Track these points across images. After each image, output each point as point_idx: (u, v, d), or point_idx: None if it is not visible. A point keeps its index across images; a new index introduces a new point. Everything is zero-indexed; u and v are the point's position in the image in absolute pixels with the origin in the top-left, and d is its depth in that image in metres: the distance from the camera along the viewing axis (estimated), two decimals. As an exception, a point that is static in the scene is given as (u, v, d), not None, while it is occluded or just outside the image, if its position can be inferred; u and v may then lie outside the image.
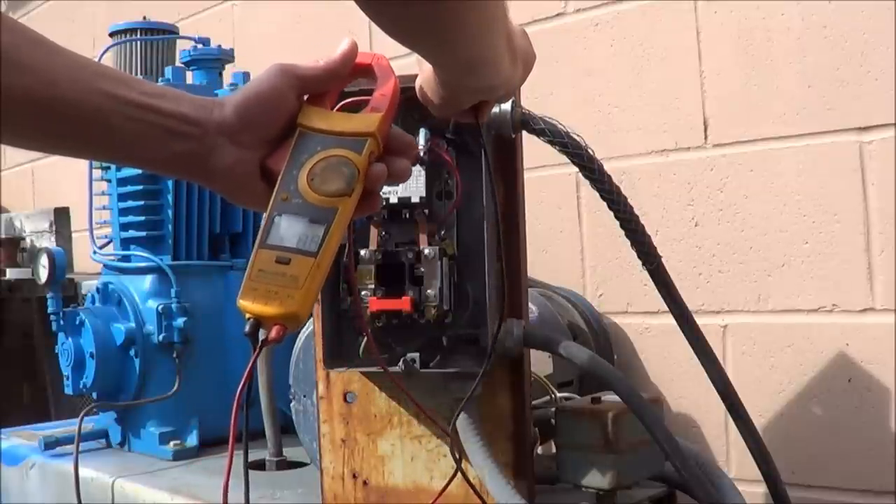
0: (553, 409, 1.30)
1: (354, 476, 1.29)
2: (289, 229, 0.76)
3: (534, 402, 1.29)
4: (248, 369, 0.76)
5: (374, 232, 1.16)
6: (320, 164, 0.78)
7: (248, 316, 0.74)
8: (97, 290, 1.87)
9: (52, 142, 0.78)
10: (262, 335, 0.74)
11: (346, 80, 0.84)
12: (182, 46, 2.02)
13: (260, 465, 1.64)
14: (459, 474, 1.13)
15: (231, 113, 0.78)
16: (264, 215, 0.78)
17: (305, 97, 0.82)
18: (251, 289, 0.74)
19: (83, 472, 1.65)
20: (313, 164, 0.78)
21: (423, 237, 1.15)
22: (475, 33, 0.75)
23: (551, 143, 1.17)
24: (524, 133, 1.19)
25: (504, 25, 0.80)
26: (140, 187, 1.81)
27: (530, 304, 1.36)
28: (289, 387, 1.48)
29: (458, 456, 1.13)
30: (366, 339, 1.15)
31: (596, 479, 1.20)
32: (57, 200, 3.01)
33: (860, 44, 1.45)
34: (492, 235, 1.15)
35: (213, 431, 1.77)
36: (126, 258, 1.86)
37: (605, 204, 1.23)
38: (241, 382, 0.77)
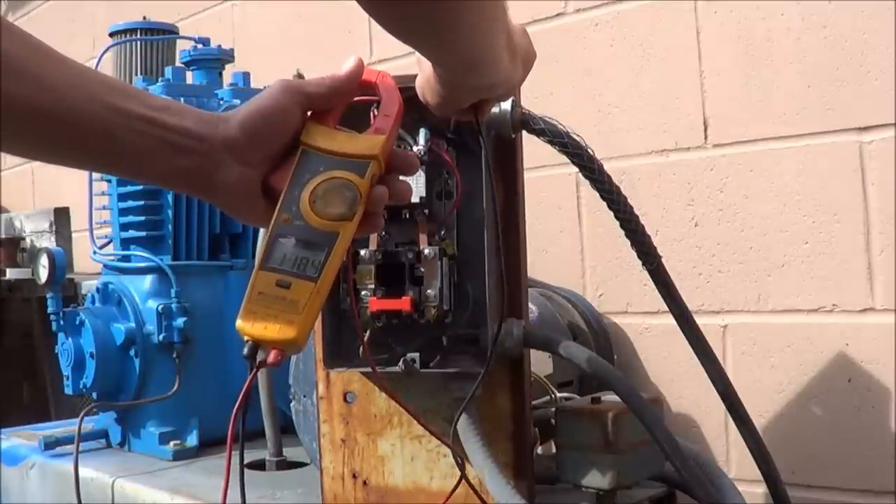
0: (553, 409, 1.30)
1: (354, 476, 1.29)
2: (289, 252, 0.76)
3: (534, 402, 1.29)
4: (244, 390, 0.77)
5: (374, 232, 1.16)
6: (322, 186, 0.78)
7: (246, 338, 0.74)
8: (97, 290, 1.87)
9: (51, 151, 0.77)
10: (260, 356, 0.75)
11: (351, 97, 0.84)
12: (182, 46, 2.02)
13: (260, 465, 1.64)
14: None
15: (236, 129, 0.78)
16: (264, 235, 0.78)
17: (309, 113, 0.82)
18: (250, 311, 0.74)
19: (83, 472, 1.65)
20: (315, 185, 0.78)
21: (423, 237, 1.15)
22: (475, 32, 0.75)
23: (551, 143, 1.17)
24: (524, 133, 1.19)
25: (504, 24, 0.80)
26: (140, 187, 1.81)
27: (530, 304, 1.36)
28: (289, 387, 1.48)
29: (461, 462, 1.13)
30: (369, 332, 1.15)
31: (596, 479, 1.20)
32: (57, 200, 3.01)
33: (860, 44, 1.45)
34: (492, 235, 1.15)
35: (213, 431, 1.77)
36: (126, 258, 1.86)
37: (605, 204, 1.23)
38: (238, 401, 0.78)
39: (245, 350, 0.74)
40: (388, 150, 0.81)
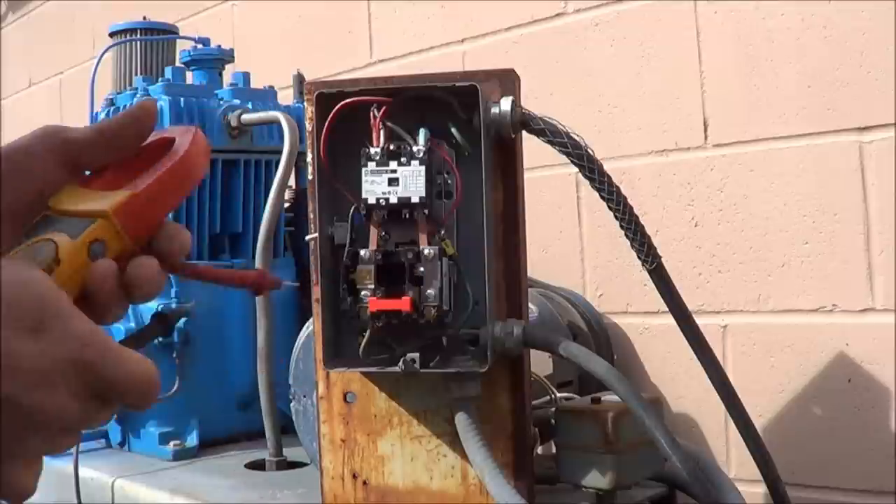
0: (553, 409, 1.30)
1: (354, 476, 1.29)
2: None
3: (534, 402, 1.29)
4: None
5: (373, 232, 1.16)
6: (21, 252, 0.55)
7: None
8: (97, 290, 1.87)
9: None
10: None
11: (132, 152, 0.61)
12: (182, 46, 2.02)
13: (260, 465, 1.64)
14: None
15: None
16: None
17: (88, 173, 0.60)
18: None
19: (83, 472, 1.65)
20: (16, 251, 0.55)
21: (422, 237, 1.15)
22: None
23: (551, 143, 1.17)
24: (524, 133, 1.19)
25: None
26: (140, 187, 1.81)
27: (530, 304, 1.36)
28: (289, 387, 1.48)
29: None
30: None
31: (596, 479, 1.20)
32: (57, 200, 3.01)
33: (860, 44, 1.45)
34: (491, 235, 1.14)
35: (213, 431, 1.77)
36: (126, 258, 1.85)
37: (605, 204, 1.22)
38: None
39: None
40: (136, 212, 0.57)
